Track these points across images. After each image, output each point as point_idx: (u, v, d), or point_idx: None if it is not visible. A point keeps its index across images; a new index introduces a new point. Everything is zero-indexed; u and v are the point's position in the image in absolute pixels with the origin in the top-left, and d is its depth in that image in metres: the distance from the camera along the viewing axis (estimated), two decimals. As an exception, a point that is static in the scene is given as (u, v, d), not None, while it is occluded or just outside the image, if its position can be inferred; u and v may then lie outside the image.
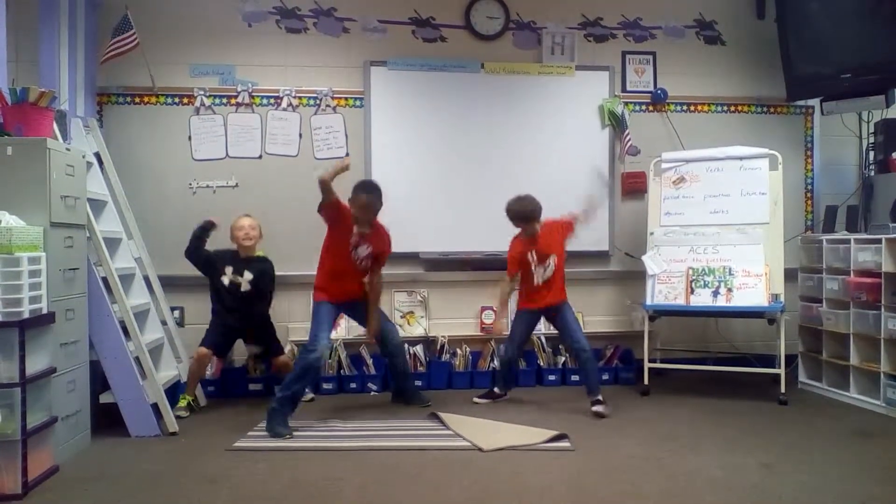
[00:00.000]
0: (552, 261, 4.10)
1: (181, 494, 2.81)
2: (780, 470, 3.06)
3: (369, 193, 3.86)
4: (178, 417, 3.86)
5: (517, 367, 4.57)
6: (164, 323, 4.27)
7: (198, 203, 4.68)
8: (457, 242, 4.85)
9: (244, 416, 3.99)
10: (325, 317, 3.89)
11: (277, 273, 4.36)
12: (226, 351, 4.33)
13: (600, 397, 4.01)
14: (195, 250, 4.17)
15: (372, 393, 4.55)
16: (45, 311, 3.06)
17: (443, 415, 3.87)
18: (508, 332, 4.35)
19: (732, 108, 5.19)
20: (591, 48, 5.08)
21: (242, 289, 4.18)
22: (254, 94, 4.78)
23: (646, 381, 4.44)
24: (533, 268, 4.11)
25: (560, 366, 4.80)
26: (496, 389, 4.35)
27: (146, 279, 4.26)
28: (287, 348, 4.48)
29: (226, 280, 4.17)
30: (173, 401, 3.87)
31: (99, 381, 3.64)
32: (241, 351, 4.53)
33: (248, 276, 4.19)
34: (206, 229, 4.19)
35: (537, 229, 4.10)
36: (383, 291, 4.27)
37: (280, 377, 4.08)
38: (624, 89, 5.09)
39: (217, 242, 4.28)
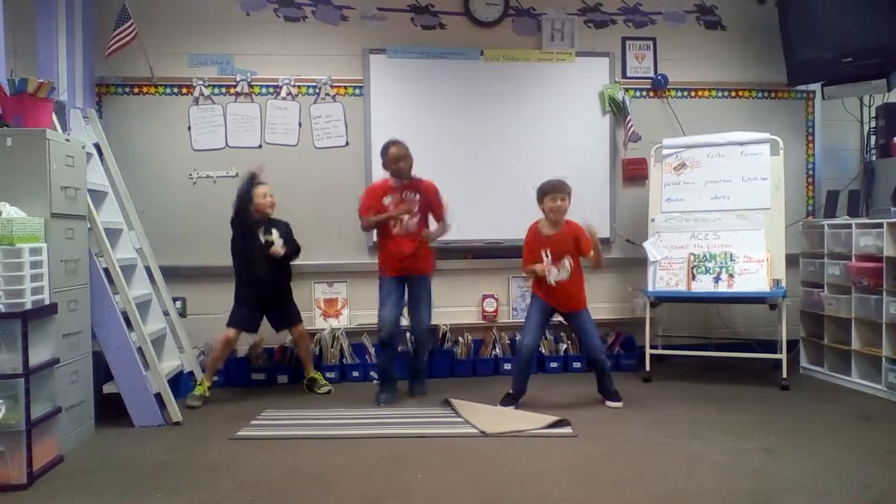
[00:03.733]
0: (567, 262, 3.77)
1: (185, 483, 2.83)
2: (781, 454, 3.07)
3: (395, 144, 4.06)
4: (189, 407, 3.88)
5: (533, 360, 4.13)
6: (166, 313, 4.28)
7: (198, 193, 4.69)
8: (458, 230, 4.84)
9: (247, 405, 4.00)
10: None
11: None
12: (256, 325, 4.22)
13: (613, 391, 3.94)
14: (246, 206, 4.02)
15: (374, 381, 4.55)
16: (47, 302, 3.07)
17: (454, 401, 3.89)
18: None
19: (733, 94, 5.17)
20: (591, 34, 5.06)
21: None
22: (253, 83, 4.77)
23: (647, 368, 4.45)
24: (546, 267, 3.78)
25: (562, 353, 4.81)
26: (512, 391, 3.93)
27: (147, 270, 4.27)
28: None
29: (262, 239, 4.10)
30: (176, 391, 3.87)
31: (102, 371, 3.66)
32: (242, 341, 4.54)
33: (276, 234, 4.15)
34: (252, 180, 4.04)
35: (566, 207, 3.82)
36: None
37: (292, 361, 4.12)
38: (624, 75, 5.07)
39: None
